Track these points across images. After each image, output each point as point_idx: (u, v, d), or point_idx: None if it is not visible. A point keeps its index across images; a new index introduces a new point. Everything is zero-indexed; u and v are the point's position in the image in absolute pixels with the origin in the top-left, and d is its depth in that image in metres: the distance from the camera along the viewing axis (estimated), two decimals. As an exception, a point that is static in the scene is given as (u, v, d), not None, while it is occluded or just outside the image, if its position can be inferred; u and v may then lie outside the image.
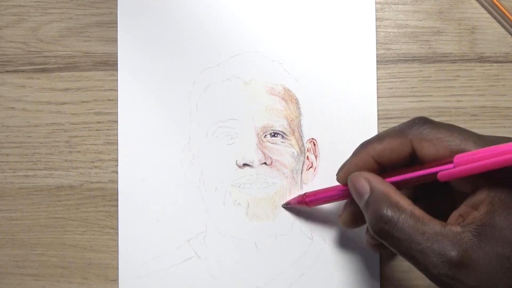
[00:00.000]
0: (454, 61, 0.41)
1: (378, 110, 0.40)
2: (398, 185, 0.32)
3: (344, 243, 0.40)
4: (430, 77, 0.41)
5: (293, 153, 0.40)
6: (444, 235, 0.28)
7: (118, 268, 0.41)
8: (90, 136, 0.41)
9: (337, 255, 0.40)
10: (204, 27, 0.41)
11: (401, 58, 0.41)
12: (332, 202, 0.37)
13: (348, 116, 0.40)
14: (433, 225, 0.28)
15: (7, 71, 0.42)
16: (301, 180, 0.40)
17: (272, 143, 0.40)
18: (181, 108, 0.41)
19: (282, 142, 0.40)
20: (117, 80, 0.41)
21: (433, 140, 0.30)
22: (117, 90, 0.41)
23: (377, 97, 0.40)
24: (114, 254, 0.41)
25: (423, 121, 0.31)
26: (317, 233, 0.40)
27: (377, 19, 0.41)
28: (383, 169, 0.33)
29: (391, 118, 0.40)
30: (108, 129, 0.41)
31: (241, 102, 0.41)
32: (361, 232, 0.40)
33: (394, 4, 0.41)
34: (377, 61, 0.41)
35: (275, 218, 0.40)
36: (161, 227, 0.41)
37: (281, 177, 0.40)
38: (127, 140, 0.41)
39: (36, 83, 0.42)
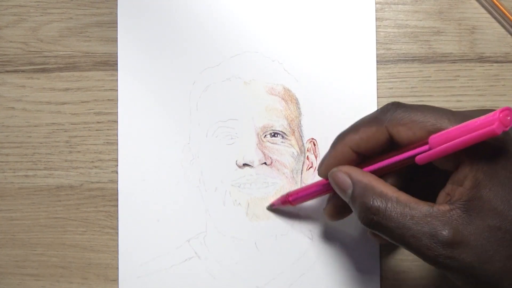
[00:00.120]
0: (454, 61, 0.41)
1: (378, 110, 0.40)
2: (379, 173, 0.32)
3: (344, 243, 0.40)
4: (430, 77, 0.41)
5: (293, 153, 0.40)
6: (433, 216, 0.28)
7: (118, 268, 0.41)
8: (90, 136, 0.41)
9: (337, 255, 0.40)
10: (204, 27, 0.41)
11: (401, 58, 0.41)
12: (315, 198, 0.37)
13: (348, 116, 0.40)
14: (420, 207, 0.28)
15: (7, 71, 0.42)
16: (301, 180, 0.40)
17: (272, 143, 0.40)
18: (181, 108, 0.41)
19: (282, 142, 0.40)
20: (117, 80, 0.41)
21: (408, 123, 0.30)
22: (117, 90, 0.41)
23: (377, 97, 0.40)
24: (114, 254, 0.41)
25: (395, 106, 0.31)
26: (317, 233, 0.40)
27: (377, 19, 0.41)
28: (362, 159, 0.33)
29: (391, 118, 0.40)
30: (108, 129, 0.41)
31: (241, 102, 0.41)
32: (360, 232, 0.40)
33: (394, 4, 0.41)
34: (377, 61, 0.41)
35: (275, 218, 0.40)
36: (161, 227, 0.41)
37: (281, 177, 0.40)
38: (127, 140, 0.41)
39: (36, 83, 0.42)
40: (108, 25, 0.42)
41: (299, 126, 0.41)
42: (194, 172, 0.41)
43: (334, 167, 0.33)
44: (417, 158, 0.29)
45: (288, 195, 0.38)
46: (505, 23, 0.40)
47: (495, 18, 0.41)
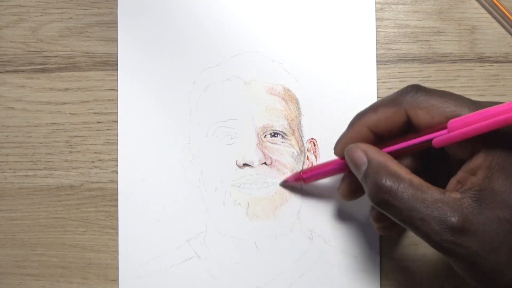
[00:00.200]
0: (454, 61, 0.41)
1: (378, 110, 0.40)
2: (394, 155, 0.32)
3: (344, 243, 0.40)
4: (430, 77, 0.41)
5: (293, 153, 0.40)
6: (443, 202, 0.28)
7: (118, 268, 0.41)
8: (90, 136, 0.41)
9: (337, 255, 0.40)
10: (204, 27, 0.41)
11: (401, 58, 0.41)
12: (329, 176, 0.37)
13: (348, 116, 0.40)
14: (432, 192, 0.28)
15: (7, 71, 0.42)
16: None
17: (272, 143, 0.40)
18: (181, 108, 0.41)
19: (282, 142, 0.40)
20: (117, 80, 0.41)
21: (427, 107, 0.30)
22: (117, 90, 0.41)
23: (377, 97, 0.40)
24: (114, 254, 0.41)
25: (416, 89, 0.31)
26: (317, 233, 0.40)
27: (377, 19, 0.41)
28: (379, 139, 0.33)
29: (391, 118, 0.40)
30: (108, 129, 0.41)
31: (241, 102, 0.41)
32: (361, 232, 0.40)
33: (394, 4, 0.41)
34: (377, 61, 0.41)
35: (275, 218, 0.40)
36: (161, 227, 0.41)
37: (281, 177, 0.40)
38: (127, 140, 0.41)
39: (36, 83, 0.42)
40: (108, 25, 0.42)
41: (299, 126, 0.41)
42: (194, 172, 0.41)
43: None
44: (434, 141, 0.30)
45: (302, 172, 0.38)
46: (505, 23, 0.40)
47: (495, 18, 0.41)
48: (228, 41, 0.41)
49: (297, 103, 0.41)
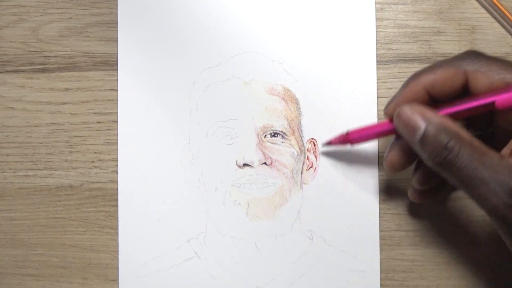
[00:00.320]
0: (454, 61, 0.41)
1: (378, 110, 0.40)
2: (452, 117, 0.31)
3: (344, 243, 0.40)
4: (430, 77, 0.41)
5: (293, 153, 0.40)
6: (504, 166, 0.28)
7: (118, 268, 0.41)
8: (90, 136, 0.41)
9: (337, 255, 0.40)
10: (204, 27, 0.41)
11: (401, 58, 0.41)
12: (376, 138, 0.37)
13: (348, 116, 0.40)
14: (491, 156, 0.28)
15: (7, 71, 0.42)
16: (301, 180, 0.40)
17: (272, 143, 0.40)
18: (181, 108, 0.41)
19: (282, 142, 0.40)
20: (117, 80, 0.41)
21: (487, 71, 0.30)
22: (117, 90, 0.41)
23: (377, 97, 0.40)
24: (114, 254, 0.41)
25: (476, 54, 0.31)
26: (317, 233, 0.40)
27: (377, 19, 0.41)
28: (433, 102, 0.33)
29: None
30: (108, 129, 0.41)
31: (241, 102, 0.41)
32: (361, 232, 0.40)
33: (394, 4, 0.41)
34: (377, 61, 0.41)
35: (275, 218, 0.40)
36: (161, 227, 0.41)
37: (281, 177, 0.40)
38: (127, 140, 0.41)
39: (36, 83, 0.42)
40: (108, 25, 0.42)
41: (299, 126, 0.41)
42: (194, 172, 0.41)
43: None
44: (498, 101, 0.30)
45: (348, 133, 0.37)
46: (505, 23, 0.40)
47: (495, 18, 0.41)
48: (228, 41, 0.41)
49: (297, 103, 0.41)
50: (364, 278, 0.40)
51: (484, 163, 0.28)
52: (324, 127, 0.40)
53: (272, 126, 0.40)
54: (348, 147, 0.38)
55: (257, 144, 0.40)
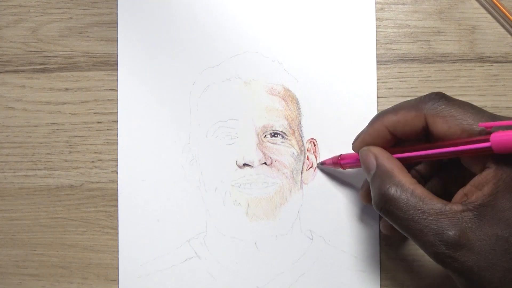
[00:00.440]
0: (454, 61, 0.41)
1: (378, 110, 0.40)
2: (410, 160, 0.32)
3: (344, 243, 0.40)
4: (430, 77, 0.41)
5: (293, 153, 0.40)
6: (444, 214, 0.28)
7: (118, 268, 0.41)
8: (90, 136, 0.41)
9: (337, 255, 0.40)
10: (204, 27, 0.41)
11: (401, 58, 0.41)
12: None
13: (348, 116, 0.40)
14: (434, 204, 0.29)
15: (7, 71, 0.42)
16: (301, 180, 0.40)
17: (272, 143, 0.40)
18: (181, 108, 0.41)
19: (282, 142, 0.40)
20: (117, 80, 0.41)
21: (446, 116, 0.30)
22: (117, 90, 0.41)
23: (377, 97, 0.40)
24: (114, 254, 0.41)
25: (439, 97, 0.31)
26: (317, 233, 0.40)
27: (377, 19, 0.41)
28: (397, 142, 0.33)
29: (391, 118, 0.40)
30: (108, 129, 0.41)
31: (241, 102, 0.41)
32: (361, 232, 0.40)
33: (394, 4, 0.41)
34: (377, 61, 0.41)
35: (275, 218, 0.40)
36: (161, 227, 0.41)
37: (281, 177, 0.40)
38: (127, 140, 0.41)
39: (36, 83, 0.42)
40: (108, 25, 0.42)
41: (299, 126, 0.41)
42: (194, 172, 0.41)
43: (369, 143, 0.34)
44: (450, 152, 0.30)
45: (341, 157, 0.38)
46: (505, 23, 0.40)
47: (495, 18, 0.41)
48: (228, 41, 0.41)
49: (297, 103, 0.41)
50: (364, 278, 0.40)
51: (424, 212, 0.28)
52: (324, 127, 0.40)
53: (272, 126, 0.40)
54: (340, 170, 0.39)
55: (257, 144, 0.40)
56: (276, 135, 0.40)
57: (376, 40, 0.41)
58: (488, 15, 0.41)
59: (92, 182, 0.41)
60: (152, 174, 0.41)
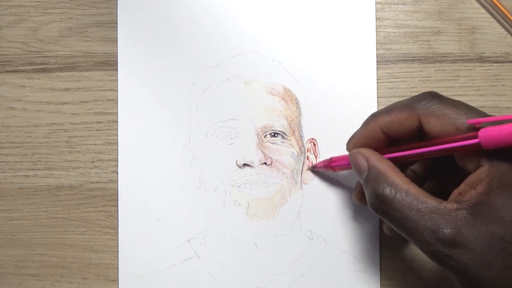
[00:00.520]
0: (454, 61, 0.41)
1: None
2: (402, 160, 0.32)
3: (344, 243, 0.40)
4: (430, 77, 0.41)
5: (293, 153, 0.40)
6: (439, 213, 0.28)
7: (118, 268, 0.41)
8: (90, 136, 0.41)
9: (337, 255, 0.40)
10: (204, 27, 0.41)
11: (401, 58, 0.41)
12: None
13: (348, 116, 0.40)
14: (429, 202, 0.29)
15: (7, 71, 0.42)
16: (301, 180, 0.40)
17: (272, 143, 0.40)
18: (181, 108, 0.41)
19: (282, 142, 0.40)
20: (117, 80, 0.41)
21: (439, 116, 0.30)
22: (117, 90, 0.41)
23: (377, 97, 0.40)
24: (114, 254, 0.41)
25: (431, 96, 0.31)
26: (317, 233, 0.40)
27: (377, 19, 0.41)
28: (391, 142, 0.33)
29: (391, 118, 0.40)
30: (108, 129, 0.41)
31: (241, 102, 0.41)
32: (360, 232, 0.40)
33: (394, 4, 0.41)
34: (377, 61, 0.41)
35: (275, 218, 0.40)
36: (161, 227, 0.41)
37: (281, 177, 0.40)
38: (127, 140, 0.41)
39: (36, 83, 0.42)
40: (108, 25, 0.42)
41: (299, 126, 0.41)
42: (194, 172, 0.41)
43: (363, 144, 0.34)
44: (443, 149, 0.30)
45: (332, 160, 0.38)
46: (505, 23, 0.40)
47: (495, 18, 0.41)
48: (228, 41, 0.41)
49: (297, 103, 0.41)
50: (364, 278, 0.40)
51: (419, 211, 0.29)
52: (324, 127, 0.40)
53: (272, 126, 0.40)
54: (328, 175, 0.39)
55: (257, 144, 0.40)
56: (276, 135, 0.40)
57: (376, 40, 0.41)
58: (488, 15, 0.41)
59: (92, 182, 0.41)
60: (152, 174, 0.41)
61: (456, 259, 0.28)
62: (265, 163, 0.40)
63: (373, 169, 0.31)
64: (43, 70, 0.42)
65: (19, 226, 0.41)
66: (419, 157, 0.32)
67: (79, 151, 0.41)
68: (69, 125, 0.41)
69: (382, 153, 0.33)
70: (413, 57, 0.41)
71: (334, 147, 0.40)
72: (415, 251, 0.40)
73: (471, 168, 0.30)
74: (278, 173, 0.40)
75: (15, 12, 0.42)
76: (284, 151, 0.40)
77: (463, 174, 0.30)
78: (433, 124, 0.30)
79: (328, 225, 0.40)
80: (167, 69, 0.41)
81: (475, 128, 0.29)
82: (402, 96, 0.40)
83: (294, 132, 0.40)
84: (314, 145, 0.40)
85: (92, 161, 0.41)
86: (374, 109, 0.40)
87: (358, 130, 0.35)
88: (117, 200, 0.41)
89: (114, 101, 0.41)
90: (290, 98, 0.41)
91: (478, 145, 0.28)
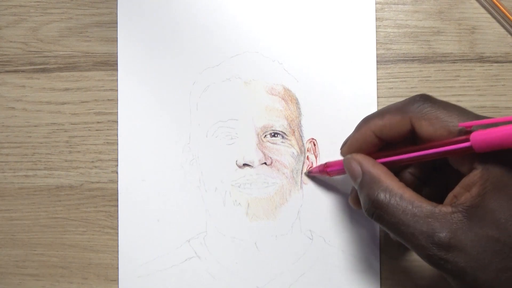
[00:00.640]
0: (454, 61, 0.41)
1: (378, 110, 0.40)
2: (394, 165, 0.32)
3: (344, 243, 0.40)
4: (430, 77, 0.41)
5: (293, 153, 0.40)
6: (434, 217, 0.28)
7: (118, 268, 0.41)
8: (90, 136, 0.41)
9: (337, 255, 0.40)
10: (204, 27, 0.41)
11: (401, 58, 0.41)
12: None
13: (348, 116, 0.40)
14: (423, 206, 0.29)
15: (7, 71, 0.42)
16: (301, 180, 0.40)
17: (272, 143, 0.40)
18: (181, 108, 0.41)
19: (282, 142, 0.40)
20: (117, 80, 0.41)
21: (431, 119, 0.30)
22: (117, 90, 0.41)
23: (377, 97, 0.40)
24: (114, 254, 0.41)
25: (423, 99, 0.31)
26: (317, 233, 0.40)
27: (377, 19, 0.41)
28: (384, 145, 0.33)
29: (391, 118, 0.40)
30: (108, 129, 0.41)
31: (241, 102, 0.41)
32: (360, 232, 0.40)
33: (394, 4, 0.41)
34: (377, 61, 0.41)
35: (275, 218, 0.40)
36: (161, 227, 0.41)
37: (281, 177, 0.40)
38: (127, 140, 0.41)
39: (36, 83, 0.42)
40: (108, 25, 0.42)
41: (299, 126, 0.41)
42: (194, 172, 0.41)
43: (356, 148, 0.34)
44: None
45: (327, 165, 0.38)
46: (505, 23, 0.40)
47: (495, 18, 0.41)
48: (228, 41, 0.41)
49: (297, 103, 0.41)
50: (364, 278, 0.40)
51: (414, 216, 0.29)
52: (324, 127, 0.40)
53: (272, 126, 0.40)
54: (327, 177, 0.39)
55: (257, 144, 0.40)
56: (276, 135, 0.40)
57: (376, 40, 0.41)
58: (488, 15, 0.41)
59: (92, 182, 0.41)
60: (152, 174, 0.41)
61: (453, 262, 0.28)
62: (265, 163, 0.40)
63: (367, 174, 0.31)
64: (43, 70, 0.42)
65: (19, 226, 0.41)
66: (413, 161, 0.32)
67: (79, 151, 0.41)
68: (69, 125, 0.41)
69: (376, 158, 0.33)
70: (413, 57, 0.41)
71: (334, 147, 0.40)
72: (415, 251, 0.40)
73: (465, 170, 0.30)
74: (278, 173, 0.40)
75: (15, 12, 0.42)
76: (284, 151, 0.40)
77: (460, 176, 0.30)
78: (425, 127, 0.30)
79: (328, 225, 0.40)
80: (167, 69, 0.41)
81: (467, 132, 0.29)
82: (402, 96, 0.40)
83: (294, 132, 0.40)
84: (314, 145, 0.40)
85: (92, 161, 0.41)
86: (374, 109, 0.40)
87: (351, 135, 0.35)
88: (117, 200, 0.41)
89: (114, 101, 0.41)
90: (290, 98, 0.41)
91: (470, 148, 0.28)
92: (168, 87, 0.41)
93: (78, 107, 0.41)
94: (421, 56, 0.41)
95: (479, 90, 0.40)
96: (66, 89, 0.42)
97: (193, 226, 0.40)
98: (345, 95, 0.40)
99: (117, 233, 0.41)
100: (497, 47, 0.40)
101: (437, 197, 0.31)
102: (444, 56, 0.41)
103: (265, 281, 0.40)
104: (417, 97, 0.31)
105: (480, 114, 0.31)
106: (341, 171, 0.37)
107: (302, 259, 0.40)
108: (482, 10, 0.41)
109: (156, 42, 0.41)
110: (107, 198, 0.41)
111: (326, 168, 0.38)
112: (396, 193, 0.30)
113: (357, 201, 0.36)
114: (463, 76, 0.40)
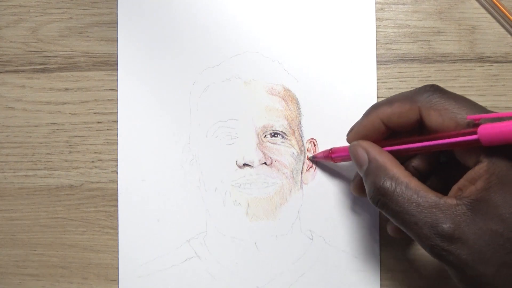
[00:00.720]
0: (454, 61, 0.41)
1: (378, 110, 0.40)
2: (400, 154, 0.32)
3: (344, 243, 0.40)
4: (430, 77, 0.41)
5: (293, 153, 0.40)
6: (438, 207, 0.28)
7: (118, 268, 0.41)
8: (90, 136, 0.41)
9: (337, 255, 0.40)
10: (204, 27, 0.41)
11: (401, 58, 0.41)
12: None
13: (348, 116, 0.40)
14: (429, 197, 0.29)
15: (7, 71, 0.42)
16: (301, 180, 0.40)
17: (272, 143, 0.40)
18: (181, 108, 0.41)
19: (282, 142, 0.40)
20: (117, 80, 0.41)
21: (440, 109, 0.30)
22: (117, 90, 0.41)
23: (377, 97, 0.40)
24: (114, 254, 0.41)
25: (433, 89, 0.31)
26: (317, 233, 0.40)
27: (377, 19, 0.41)
28: (391, 134, 0.33)
29: (391, 118, 0.40)
30: (108, 129, 0.41)
31: (241, 102, 0.41)
32: (360, 232, 0.40)
33: (394, 4, 0.41)
34: (377, 61, 0.41)
35: (275, 218, 0.40)
36: (161, 227, 0.41)
37: (281, 177, 0.40)
38: (127, 140, 0.41)
39: (36, 83, 0.42)
40: (108, 25, 0.42)
41: (299, 126, 0.41)
42: (194, 172, 0.41)
43: (363, 135, 0.34)
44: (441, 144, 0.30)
45: (332, 151, 0.38)
46: (505, 23, 0.40)
47: (495, 18, 0.41)
48: (228, 41, 0.41)
49: (297, 103, 0.41)
50: (364, 278, 0.40)
51: (419, 205, 0.29)
52: (324, 127, 0.40)
53: (272, 126, 0.40)
54: (331, 163, 0.39)
55: (257, 144, 0.40)
56: (276, 135, 0.40)
57: (376, 40, 0.41)
58: (488, 15, 0.41)
59: (92, 182, 0.41)
60: (152, 174, 0.41)
61: (455, 254, 0.28)
62: (265, 163, 0.40)
63: (374, 161, 0.31)
64: (43, 70, 0.42)
65: (19, 226, 0.41)
66: (419, 151, 0.32)
67: (79, 151, 0.41)
68: (69, 125, 0.41)
69: (382, 146, 0.33)
70: (413, 57, 0.41)
71: (334, 147, 0.40)
72: (415, 251, 0.40)
73: (470, 163, 0.30)
74: (278, 173, 0.40)
75: (15, 12, 0.42)
76: (284, 151, 0.40)
77: (464, 170, 0.30)
78: (433, 118, 0.30)
79: (328, 225, 0.40)
80: (167, 69, 0.41)
81: (474, 124, 0.29)
82: (402, 96, 0.40)
83: (294, 132, 0.40)
84: (314, 145, 0.40)
85: (92, 161, 0.41)
86: (374, 109, 0.40)
87: (358, 121, 0.35)
88: (117, 200, 0.41)
89: (114, 101, 0.41)
90: (290, 98, 0.41)
91: (477, 141, 0.28)
92: (168, 87, 0.41)
93: (78, 107, 0.42)
94: (421, 56, 0.41)
95: (479, 90, 0.40)
96: (66, 89, 0.42)
97: (193, 226, 0.40)
98: (345, 95, 0.40)
99: (117, 233, 0.41)
100: (497, 47, 0.40)
101: (440, 190, 0.31)
102: (444, 56, 0.41)
103: (265, 281, 0.40)
104: (427, 87, 0.31)
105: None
106: (346, 158, 0.36)
107: (302, 259, 0.40)
108: (482, 10, 0.41)
109: (156, 42, 0.41)
110: (107, 198, 0.41)
111: (331, 154, 0.38)
112: (402, 182, 0.30)
113: (358, 188, 0.36)
114: (463, 76, 0.40)
